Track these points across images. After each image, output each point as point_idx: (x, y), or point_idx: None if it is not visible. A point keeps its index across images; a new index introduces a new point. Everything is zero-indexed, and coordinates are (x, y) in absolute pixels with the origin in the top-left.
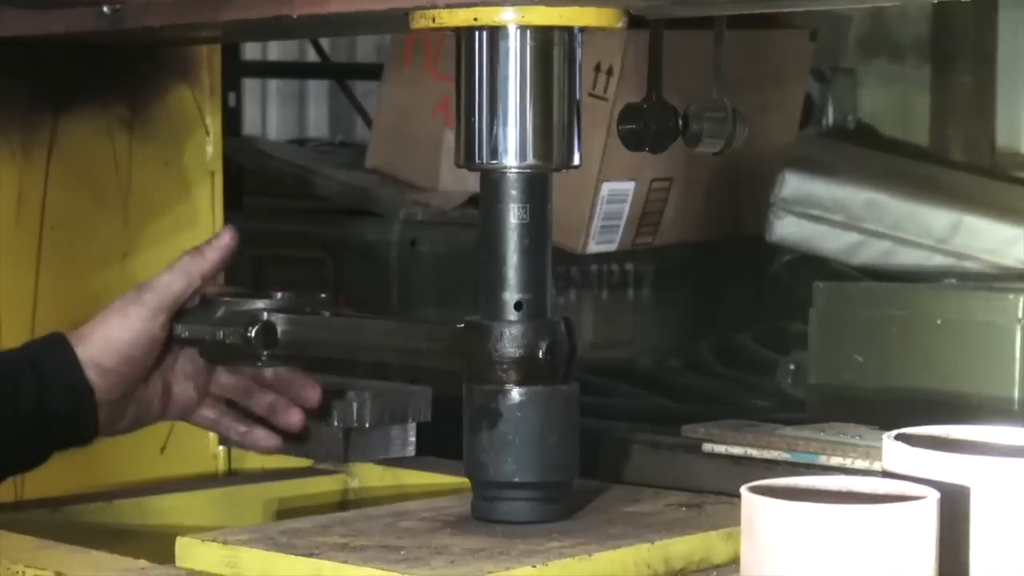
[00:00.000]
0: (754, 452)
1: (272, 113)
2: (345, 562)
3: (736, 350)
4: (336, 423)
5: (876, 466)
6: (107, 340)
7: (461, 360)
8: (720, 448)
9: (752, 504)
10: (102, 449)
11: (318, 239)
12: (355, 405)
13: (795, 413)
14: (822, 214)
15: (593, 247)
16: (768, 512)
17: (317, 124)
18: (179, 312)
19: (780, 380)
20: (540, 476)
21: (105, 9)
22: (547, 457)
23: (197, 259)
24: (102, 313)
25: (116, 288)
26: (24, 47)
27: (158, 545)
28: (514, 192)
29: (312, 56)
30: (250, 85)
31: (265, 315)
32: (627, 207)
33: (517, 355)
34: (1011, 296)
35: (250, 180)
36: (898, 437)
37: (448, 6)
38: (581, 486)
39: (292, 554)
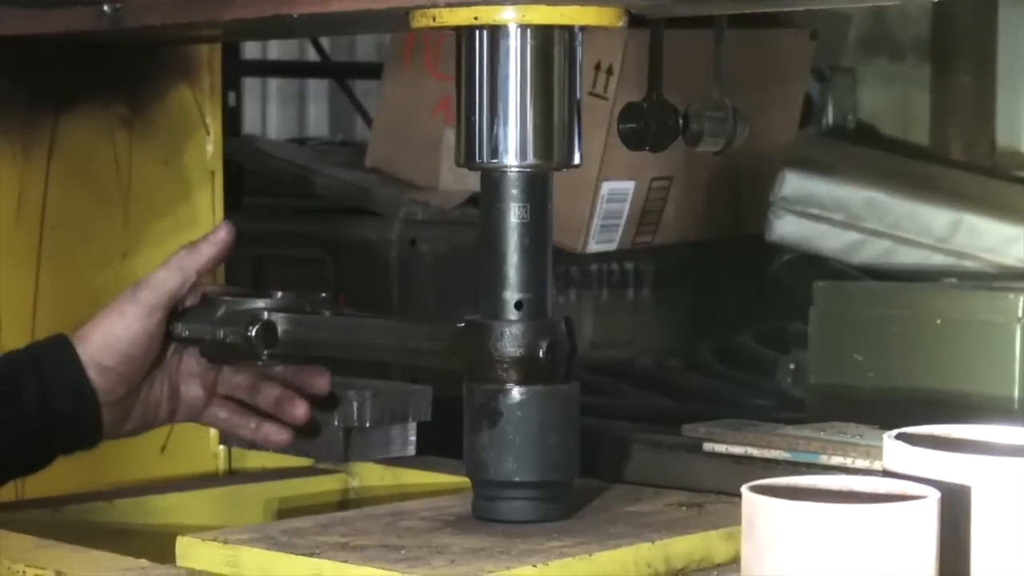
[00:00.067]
0: (755, 451)
1: (272, 112)
2: (346, 561)
3: (736, 350)
4: (336, 423)
5: (877, 465)
6: (106, 339)
7: (461, 359)
8: (721, 447)
9: (753, 503)
10: (103, 449)
11: (318, 239)
12: (355, 404)
13: (795, 412)
14: (822, 213)
15: (593, 246)
16: (769, 511)
17: (317, 123)
18: (180, 312)
19: (780, 380)
20: (540, 475)
21: (105, 8)
22: (547, 456)
23: (192, 254)
24: (100, 313)
25: (116, 288)
26: (24, 47)
27: (159, 544)
28: (514, 191)
29: (312, 55)
30: (250, 84)
31: (265, 315)
32: (627, 206)
33: (517, 354)
34: (1011, 295)
35: (250, 180)
36: (899, 436)
37: (449, 5)
38: (581, 485)
39: (293, 553)
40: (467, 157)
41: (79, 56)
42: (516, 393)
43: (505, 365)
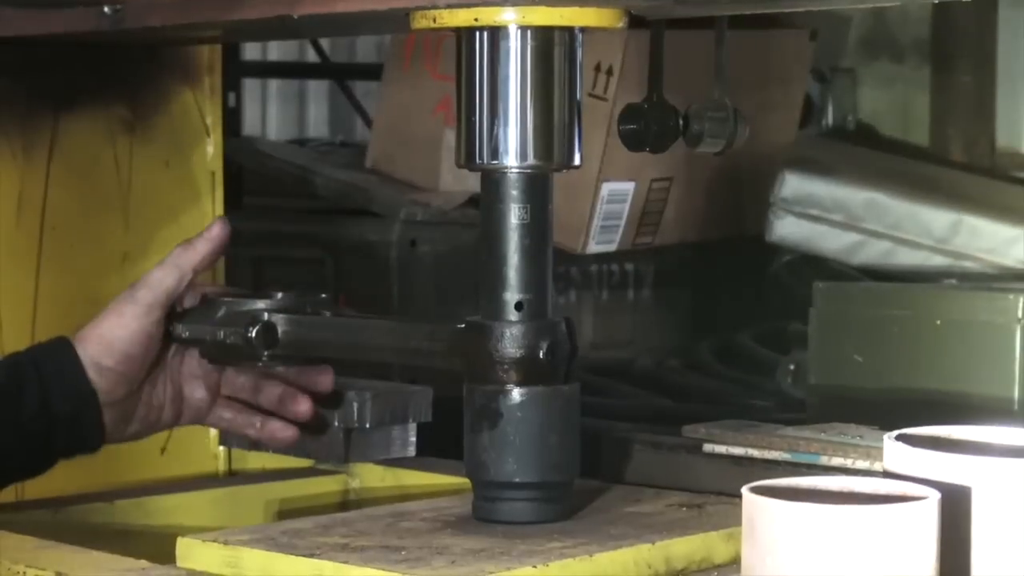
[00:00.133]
0: (755, 452)
1: (272, 113)
2: (346, 562)
3: (736, 350)
4: (337, 423)
5: (877, 466)
6: (105, 339)
7: (462, 360)
8: (721, 448)
9: (753, 504)
10: (103, 449)
11: (318, 239)
12: (356, 405)
13: (795, 413)
14: (822, 214)
15: (593, 247)
16: (769, 512)
17: (317, 124)
18: (180, 313)
19: (780, 380)
20: (541, 476)
21: (106, 9)
22: (548, 457)
23: (188, 252)
24: (99, 314)
25: (116, 289)
26: (24, 47)
27: (159, 545)
28: (515, 192)
29: (312, 56)
30: (250, 85)
31: (266, 315)
32: (627, 207)
33: (518, 355)
34: (1011, 296)
35: (250, 180)
36: (899, 437)
37: (449, 6)
38: (582, 486)
39: (293, 554)
40: (467, 158)
41: (79, 57)
42: (516, 394)
43: (505, 366)
